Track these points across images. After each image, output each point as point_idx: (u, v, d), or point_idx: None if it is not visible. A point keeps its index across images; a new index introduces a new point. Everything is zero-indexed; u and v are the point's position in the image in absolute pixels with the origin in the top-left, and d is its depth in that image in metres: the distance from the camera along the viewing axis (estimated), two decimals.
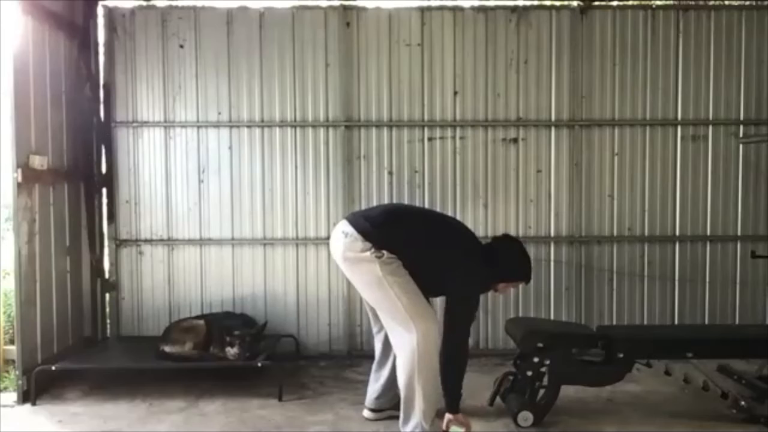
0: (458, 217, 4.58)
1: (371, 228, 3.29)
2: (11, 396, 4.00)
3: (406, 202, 4.86)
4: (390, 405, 3.59)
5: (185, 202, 4.96)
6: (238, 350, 4.07)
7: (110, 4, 4.95)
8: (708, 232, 4.99)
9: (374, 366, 3.68)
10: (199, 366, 4.24)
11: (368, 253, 3.23)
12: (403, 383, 3.28)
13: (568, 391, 3.64)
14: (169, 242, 4.96)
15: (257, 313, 4.74)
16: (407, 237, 3.32)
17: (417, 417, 3.27)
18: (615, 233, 4.99)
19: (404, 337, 3.24)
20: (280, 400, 3.94)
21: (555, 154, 4.97)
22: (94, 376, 4.34)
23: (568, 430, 3.52)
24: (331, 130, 4.94)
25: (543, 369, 3.52)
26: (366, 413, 3.67)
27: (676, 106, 4.96)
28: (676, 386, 4.16)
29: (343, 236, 3.32)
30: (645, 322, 4.96)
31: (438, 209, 4.74)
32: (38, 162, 4.13)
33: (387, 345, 3.54)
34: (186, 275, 4.96)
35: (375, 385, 3.64)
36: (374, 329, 3.67)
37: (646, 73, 4.94)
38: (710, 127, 4.97)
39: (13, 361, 4.18)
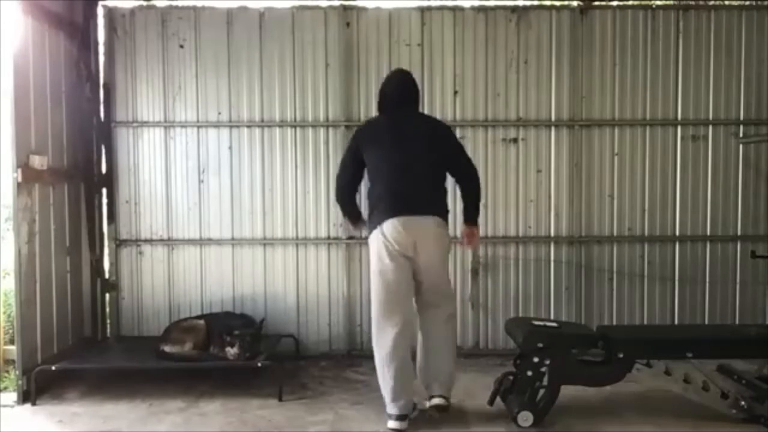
0: None
1: (428, 195, 3.60)
2: (11, 396, 4.01)
3: None
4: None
5: (185, 202, 4.96)
6: (238, 350, 4.07)
7: (110, 4, 4.95)
8: (708, 232, 4.98)
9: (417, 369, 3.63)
10: (199, 366, 4.24)
11: (445, 228, 3.64)
12: (451, 356, 3.60)
13: (568, 391, 3.63)
14: (169, 242, 4.96)
15: (257, 313, 4.72)
16: (431, 160, 3.63)
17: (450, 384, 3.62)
18: (615, 233, 4.98)
19: (450, 308, 3.70)
20: (280, 400, 3.94)
21: (555, 154, 4.97)
22: (94, 376, 4.34)
23: (568, 430, 3.52)
24: (331, 130, 4.93)
25: (543, 369, 3.51)
26: (396, 424, 3.43)
27: (676, 106, 4.96)
28: (676, 386, 4.15)
29: (434, 225, 3.55)
30: (645, 322, 4.96)
31: None
32: (38, 162, 4.13)
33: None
34: (186, 275, 4.96)
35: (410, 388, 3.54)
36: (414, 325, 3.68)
37: (646, 73, 4.94)
38: (710, 127, 4.97)
39: (13, 361, 4.18)
